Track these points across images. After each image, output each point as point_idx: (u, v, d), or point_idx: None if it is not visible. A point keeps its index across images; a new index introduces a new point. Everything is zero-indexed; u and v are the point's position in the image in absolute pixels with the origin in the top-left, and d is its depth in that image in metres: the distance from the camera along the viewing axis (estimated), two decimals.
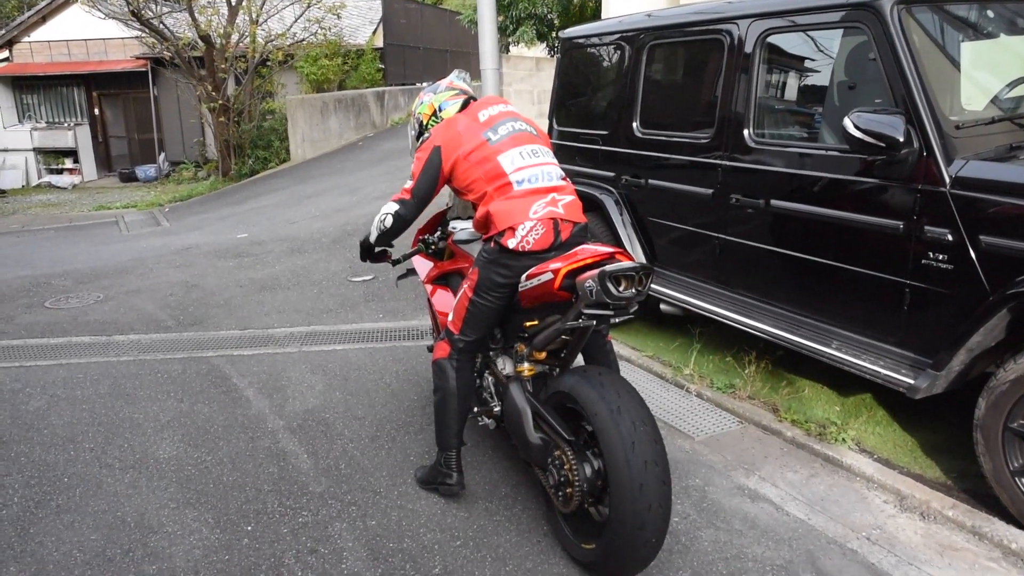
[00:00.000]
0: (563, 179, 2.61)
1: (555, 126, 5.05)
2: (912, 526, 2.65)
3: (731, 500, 2.83)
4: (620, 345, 4.39)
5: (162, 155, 18.18)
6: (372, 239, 2.89)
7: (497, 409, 2.75)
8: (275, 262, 6.95)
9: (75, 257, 8.16)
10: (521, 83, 11.03)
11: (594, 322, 2.28)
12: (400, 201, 2.71)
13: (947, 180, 2.65)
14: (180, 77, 15.00)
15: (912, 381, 2.81)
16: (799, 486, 2.93)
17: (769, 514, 2.73)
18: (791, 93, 3.52)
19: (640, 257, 4.32)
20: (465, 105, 2.83)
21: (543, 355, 2.59)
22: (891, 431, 3.27)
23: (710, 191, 3.71)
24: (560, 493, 2.31)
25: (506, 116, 2.68)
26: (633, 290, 2.09)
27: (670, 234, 4.13)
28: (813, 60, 3.32)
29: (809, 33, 3.29)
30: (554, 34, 10.16)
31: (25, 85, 18.97)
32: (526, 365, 2.65)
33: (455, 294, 3.03)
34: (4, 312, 5.63)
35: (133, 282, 6.50)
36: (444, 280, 3.18)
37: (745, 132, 3.48)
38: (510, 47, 10.97)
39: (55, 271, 7.15)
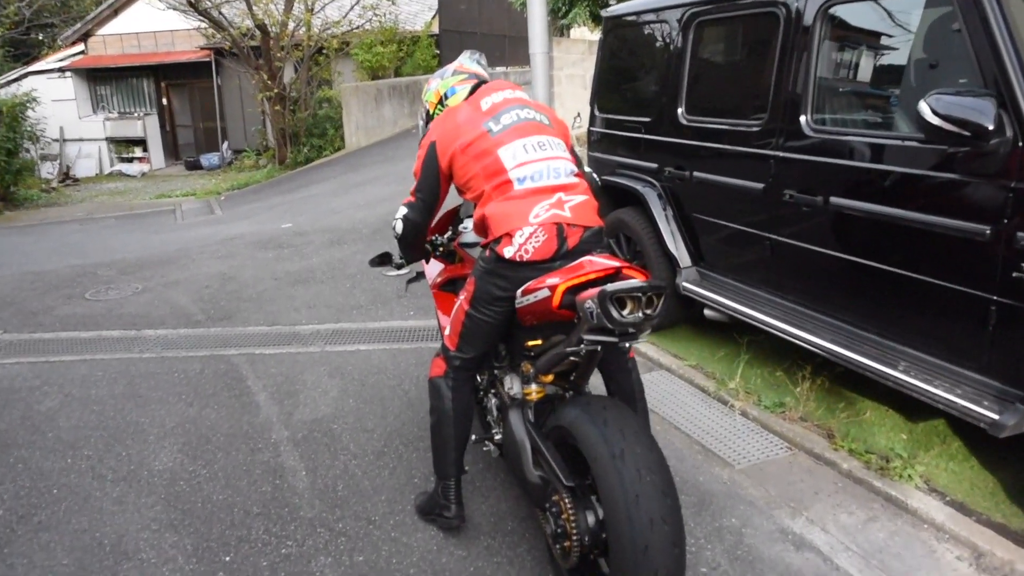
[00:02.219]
0: (575, 175, 2.27)
1: (596, 113, 4.66)
2: None
3: (771, 547, 2.45)
4: (661, 352, 4.01)
5: (225, 143, 18.54)
6: (397, 248, 2.65)
7: (499, 437, 2.44)
8: (313, 254, 6.81)
9: (126, 246, 8.27)
10: (573, 67, 10.60)
11: (598, 348, 1.94)
12: (408, 204, 2.44)
13: None
14: (239, 66, 15.17)
15: (996, 416, 2.36)
16: (853, 532, 2.52)
17: (815, 568, 2.34)
18: (856, 74, 3.05)
19: (684, 258, 3.92)
20: (475, 89, 2.51)
21: (550, 377, 2.27)
22: (967, 468, 2.80)
23: (761, 186, 3.28)
24: (558, 545, 1.98)
25: (512, 103, 2.35)
26: (639, 314, 1.74)
27: (717, 232, 3.71)
28: (883, 35, 2.85)
29: (879, 3, 2.82)
30: None
31: (99, 77, 19.66)
32: (533, 387, 2.33)
33: None
34: (46, 303, 5.67)
35: (173, 273, 6.48)
36: (451, 287, 2.89)
37: (802, 119, 3.04)
38: (563, 30, 10.53)
39: (103, 260, 7.22)
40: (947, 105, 2.28)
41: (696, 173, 3.75)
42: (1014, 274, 2.28)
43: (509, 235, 2.11)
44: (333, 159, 13.77)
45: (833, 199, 2.90)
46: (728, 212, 3.58)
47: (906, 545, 2.44)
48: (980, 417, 2.41)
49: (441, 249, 2.97)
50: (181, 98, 19.96)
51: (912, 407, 3.13)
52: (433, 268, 3.09)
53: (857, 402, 3.29)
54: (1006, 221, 2.29)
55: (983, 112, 2.21)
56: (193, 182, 15.61)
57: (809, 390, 3.31)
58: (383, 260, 2.88)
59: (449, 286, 2.91)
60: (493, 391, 2.59)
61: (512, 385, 2.49)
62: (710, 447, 3.10)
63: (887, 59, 2.95)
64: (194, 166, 18.34)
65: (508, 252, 2.10)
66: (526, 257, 2.10)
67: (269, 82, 13.97)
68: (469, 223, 2.93)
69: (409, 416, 3.45)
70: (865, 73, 3.02)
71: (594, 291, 1.77)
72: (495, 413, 2.52)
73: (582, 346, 1.93)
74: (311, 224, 8.19)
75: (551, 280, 1.92)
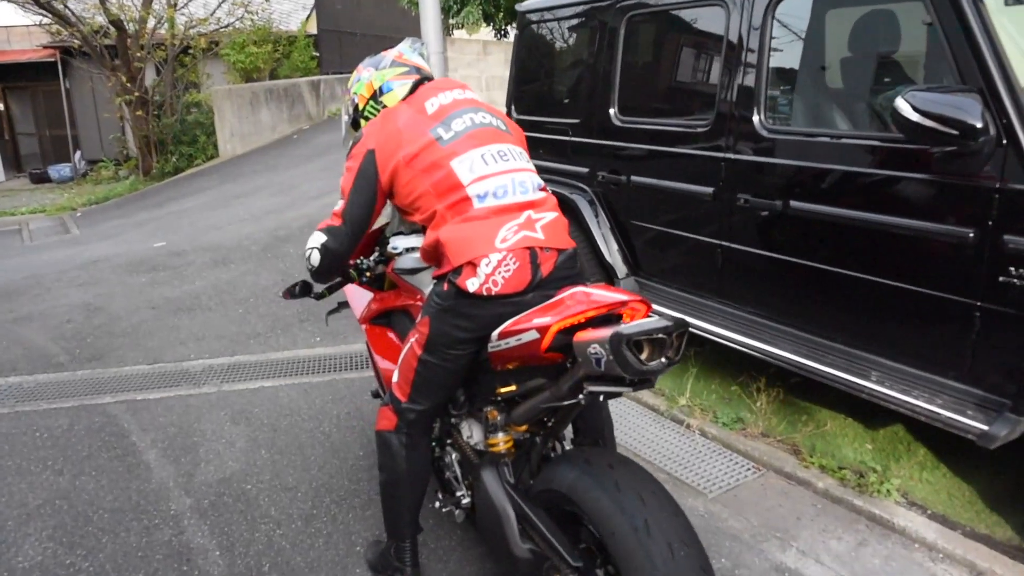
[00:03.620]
0: (542, 190, 1.93)
1: (515, 115, 4.36)
2: None
3: None
4: None
5: (77, 153, 16.70)
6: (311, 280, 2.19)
7: (467, 501, 2.05)
8: (196, 276, 6.07)
9: None
10: (468, 68, 10.28)
11: (600, 398, 1.61)
12: (328, 230, 1.98)
13: None
14: (92, 67, 13.68)
15: (986, 427, 2.24)
16: (849, 561, 2.34)
17: None
18: (815, 69, 2.91)
19: (621, 268, 3.68)
20: (415, 88, 2.11)
21: (523, 427, 1.92)
22: (941, 477, 2.72)
23: (710, 190, 3.08)
24: None
25: (463, 105, 1.98)
26: (663, 360, 1.42)
27: (658, 240, 3.50)
28: (844, 28, 2.72)
29: None
30: (500, 15, 9.46)
31: None
32: (500, 437, 1.97)
33: (402, 339, 2.33)
34: None
35: (24, 306, 5.55)
36: (386, 319, 2.47)
37: (755, 118, 2.86)
38: (453, 30, 10.20)
39: None
40: (929, 102, 2.13)
41: (634, 177, 3.52)
42: (1000, 278, 2.18)
43: (472, 264, 1.74)
44: (207, 168, 12.66)
45: (794, 203, 2.74)
46: (671, 218, 3.38)
47: (904, 570, 2.29)
48: (968, 428, 2.29)
49: (368, 275, 2.55)
50: (22, 103, 17.84)
51: (869, 414, 3.04)
52: (358, 297, 2.65)
53: (815, 413, 3.17)
54: (991, 224, 2.18)
55: (969, 110, 2.08)
56: (41, 197, 13.89)
57: (767, 403, 3.16)
58: (304, 290, 2.43)
59: (382, 318, 2.49)
60: (450, 442, 2.20)
61: (472, 434, 2.12)
62: (677, 475, 2.86)
63: (847, 52, 2.83)
64: (41, 179, 16.40)
65: (472, 285, 1.73)
66: (495, 290, 1.73)
67: (128, 85, 12.66)
68: (401, 242, 2.53)
69: (336, 466, 2.99)
70: (823, 69, 2.89)
71: (601, 333, 1.43)
72: (456, 469, 2.13)
73: (581, 396, 1.59)
74: (189, 242, 7.35)
75: (539, 320, 1.57)
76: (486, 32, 10.27)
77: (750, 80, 2.87)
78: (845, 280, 2.63)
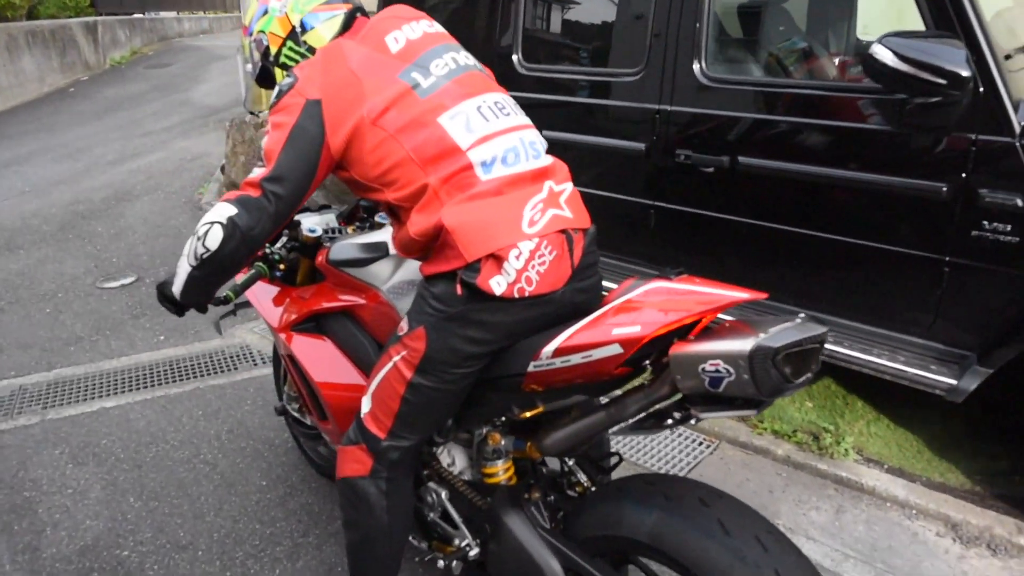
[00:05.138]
0: (548, 152, 1.53)
1: None
2: (991, 569, 2.11)
3: None
4: None
5: None
6: (180, 281, 1.55)
7: (474, 552, 1.63)
8: None
9: None
10: None
11: (694, 421, 1.28)
12: (241, 201, 1.41)
13: (1017, 129, 2.02)
14: None
15: (954, 381, 2.24)
16: (835, 532, 2.27)
17: None
18: (756, 11, 2.71)
19: None
20: (350, 23, 1.58)
21: (538, 453, 1.54)
22: (886, 429, 2.75)
23: (642, 146, 2.82)
24: None
25: (438, 40, 1.50)
26: (809, 375, 1.13)
27: None
28: None
29: None
30: None
31: None
32: (500, 465, 1.59)
33: (347, 350, 1.83)
34: None
35: None
36: (314, 324, 1.93)
37: (695, 66, 2.62)
38: None
39: None
40: (912, 49, 2.00)
41: (546, 133, 3.16)
42: (973, 232, 2.14)
43: (497, 257, 1.30)
44: None
45: (743, 159, 2.56)
46: (593, 178, 3.08)
47: (888, 533, 2.25)
48: (936, 384, 2.28)
49: (281, 268, 1.99)
50: None
51: None
52: (264, 296, 2.07)
53: None
54: (964, 176, 2.12)
55: (954, 58, 1.97)
56: None
57: None
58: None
59: (307, 323, 1.94)
60: (426, 472, 1.76)
61: (454, 461, 1.71)
62: (634, 460, 2.64)
63: None
64: None
65: (499, 285, 1.30)
66: (529, 290, 1.32)
67: None
68: (314, 220, 2.00)
69: (237, 505, 2.40)
70: (767, 11, 2.69)
71: (725, 346, 1.10)
72: (448, 509, 1.69)
73: (685, 417, 1.25)
74: None
75: (624, 331, 1.18)
76: None
77: (690, 22, 2.61)
78: (799, 238, 2.50)
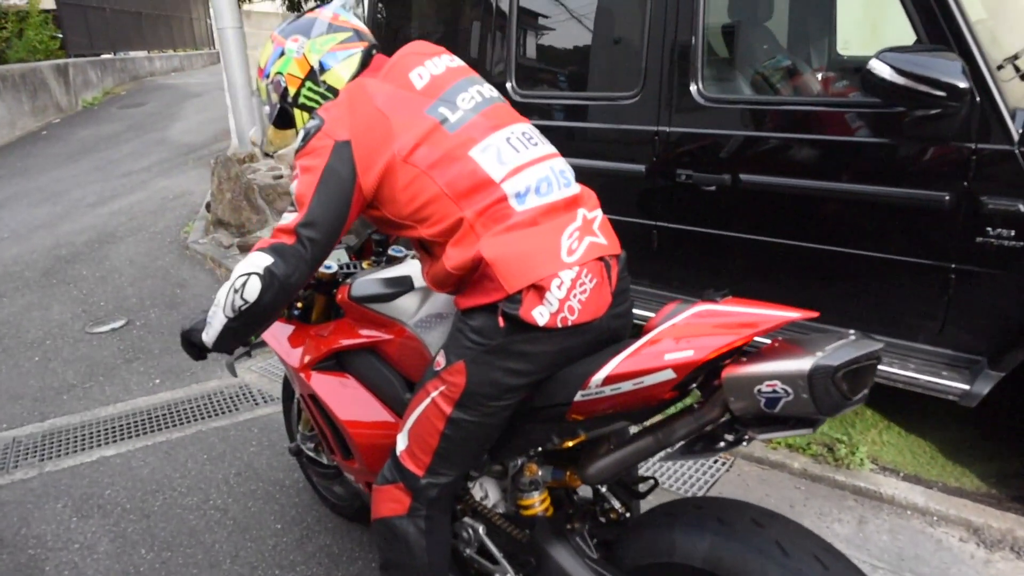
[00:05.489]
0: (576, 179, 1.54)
1: None
2: (1019, 573, 2.12)
3: None
4: None
5: None
6: (214, 332, 1.52)
7: None
8: None
9: None
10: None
11: (746, 443, 1.28)
12: (275, 249, 1.39)
13: (1016, 136, 2.07)
14: None
15: (967, 386, 2.27)
16: (861, 544, 2.27)
17: None
18: (741, 31, 2.76)
19: None
20: (367, 61, 1.58)
21: (579, 482, 1.53)
22: (898, 437, 2.77)
23: (642, 167, 2.84)
24: None
25: (461, 75, 1.51)
26: (866, 391, 1.14)
27: None
28: None
29: None
30: None
31: None
32: (536, 497, 1.57)
33: (371, 388, 1.81)
34: None
35: None
36: (336, 363, 1.90)
37: (692, 87, 2.66)
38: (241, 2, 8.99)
39: None
40: (909, 63, 2.05)
41: None
42: (978, 239, 2.18)
43: (538, 288, 1.30)
44: None
45: (744, 176, 2.59)
46: None
47: (913, 542, 2.26)
48: (948, 390, 2.30)
49: (299, 306, 1.96)
50: None
51: None
52: (280, 335, 2.04)
53: None
54: (966, 184, 2.17)
55: (951, 70, 2.02)
56: None
57: None
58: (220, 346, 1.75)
59: (327, 360, 1.91)
60: (460, 507, 1.73)
61: (487, 494, 1.69)
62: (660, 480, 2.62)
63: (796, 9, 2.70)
64: None
65: (542, 316, 1.30)
66: (571, 319, 1.32)
67: None
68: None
69: (254, 552, 2.34)
70: (754, 30, 2.74)
71: (782, 366, 1.10)
72: (487, 544, 1.66)
73: (721, 444, 1.24)
74: None
75: (675, 355, 1.18)
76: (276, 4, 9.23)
77: (685, 42, 2.65)
78: (804, 252, 2.53)
